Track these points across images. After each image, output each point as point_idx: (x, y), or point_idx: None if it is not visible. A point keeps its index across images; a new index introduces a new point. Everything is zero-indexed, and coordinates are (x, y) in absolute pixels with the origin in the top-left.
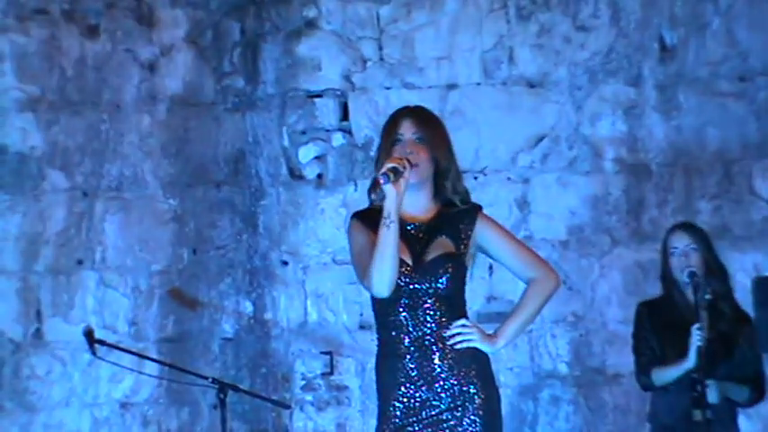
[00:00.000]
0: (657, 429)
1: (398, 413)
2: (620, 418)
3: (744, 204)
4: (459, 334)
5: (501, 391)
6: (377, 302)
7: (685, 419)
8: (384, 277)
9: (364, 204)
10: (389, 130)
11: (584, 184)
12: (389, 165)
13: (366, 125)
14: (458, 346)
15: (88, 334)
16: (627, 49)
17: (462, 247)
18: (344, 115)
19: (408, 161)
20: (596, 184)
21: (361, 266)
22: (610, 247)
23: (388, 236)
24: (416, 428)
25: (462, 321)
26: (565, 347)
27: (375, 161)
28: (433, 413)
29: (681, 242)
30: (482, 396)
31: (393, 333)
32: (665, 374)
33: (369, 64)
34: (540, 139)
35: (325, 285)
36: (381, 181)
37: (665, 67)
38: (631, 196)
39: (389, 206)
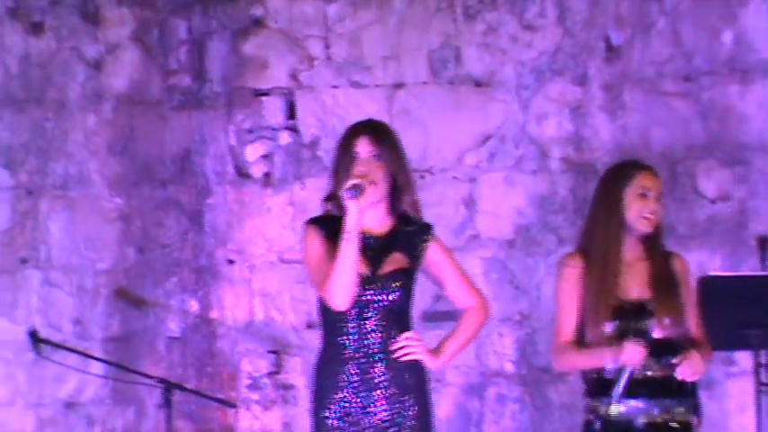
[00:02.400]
0: None
1: (336, 417)
2: (566, 416)
3: (688, 203)
4: (405, 346)
5: (448, 389)
6: (326, 308)
7: None
8: (344, 292)
9: (311, 203)
10: (346, 147)
11: (531, 183)
12: (353, 182)
13: (313, 124)
14: (403, 359)
15: (32, 333)
16: (573, 48)
17: (415, 262)
18: (291, 114)
19: (370, 180)
20: (543, 184)
21: (319, 276)
22: (556, 246)
23: (350, 251)
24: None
25: (409, 334)
26: (511, 346)
27: (333, 174)
28: (372, 421)
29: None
30: (417, 409)
31: (339, 339)
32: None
33: (316, 62)
34: (487, 138)
35: (272, 284)
36: (347, 196)
37: (611, 67)
38: (578, 195)
39: (352, 222)
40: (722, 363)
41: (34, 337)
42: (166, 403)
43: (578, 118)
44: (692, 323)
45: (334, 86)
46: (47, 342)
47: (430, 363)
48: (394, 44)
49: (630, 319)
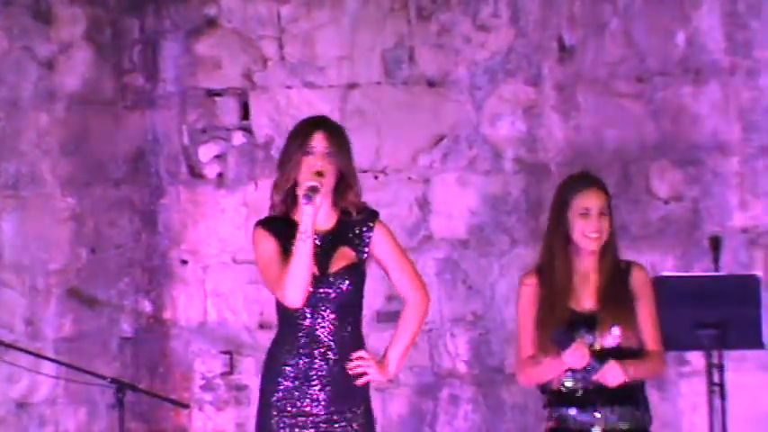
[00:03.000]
0: None
1: (280, 400)
2: (519, 416)
3: (641, 204)
4: (358, 366)
5: (401, 390)
6: (281, 305)
7: None
8: (299, 290)
9: (265, 203)
10: (301, 140)
11: (484, 183)
12: (310, 184)
13: (267, 124)
14: (359, 382)
15: None
16: (526, 49)
17: (363, 254)
18: (245, 114)
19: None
20: (496, 184)
21: (272, 276)
22: (509, 246)
23: (304, 250)
24: (298, 421)
25: (360, 353)
26: (464, 346)
27: (280, 165)
28: (315, 411)
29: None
30: (363, 407)
31: (292, 332)
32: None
33: (269, 63)
34: (441, 138)
35: (225, 285)
36: (304, 201)
37: (564, 68)
38: (531, 196)
39: (307, 222)
40: (675, 363)
41: None
42: (119, 404)
43: (531, 118)
44: (648, 334)
45: (288, 87)
46: None
47: (382, 377)
48: (347, 44)
49: (581, 329)
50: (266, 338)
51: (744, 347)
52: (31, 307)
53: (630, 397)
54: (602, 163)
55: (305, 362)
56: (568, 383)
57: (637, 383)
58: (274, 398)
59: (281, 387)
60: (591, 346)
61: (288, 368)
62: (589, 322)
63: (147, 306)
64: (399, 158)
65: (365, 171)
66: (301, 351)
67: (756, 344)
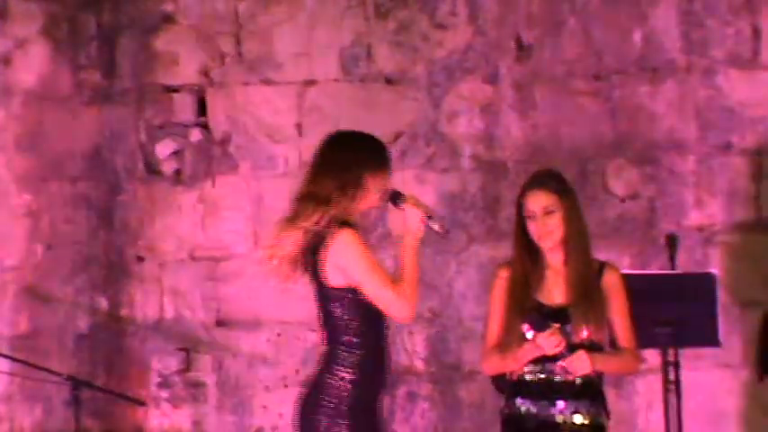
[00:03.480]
0: None
1: None
2: (476, 414)
3: (598, 202)
4: None
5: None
6: (376, 317)
7: None
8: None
9: (222, 200)
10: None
11: (442, 181)
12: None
13: (224, 121)
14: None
15: None
16: (484, 47)
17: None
18: (202, 111)
19: None
20: (453, 181)
21: (390, 287)
22: (466, 243)
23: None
24: None
25: None
26: (421, 344)
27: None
28: None
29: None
30: None
31: (383, 353)
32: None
33: (227, 59)
34: (398, 135)
35: (182, 282)
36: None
37: (522, 66)
38: (488, 193)
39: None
40: None
41: None
42: (75, 401)
43: (489, 116)
44: (622, 333)
45: (246, 83)
46: None
47: None
48: (305, 41)
49: (551, 322)
50: (223, 335)
51: (700, 345)
52: None
53: (588, 392)
54: (560, 161)
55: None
56: (528, 377)
57: (594, 380)
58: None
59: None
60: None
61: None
62: (559, 316)
63: (103, 303)
64: None
65: None
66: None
67: (712, 341)
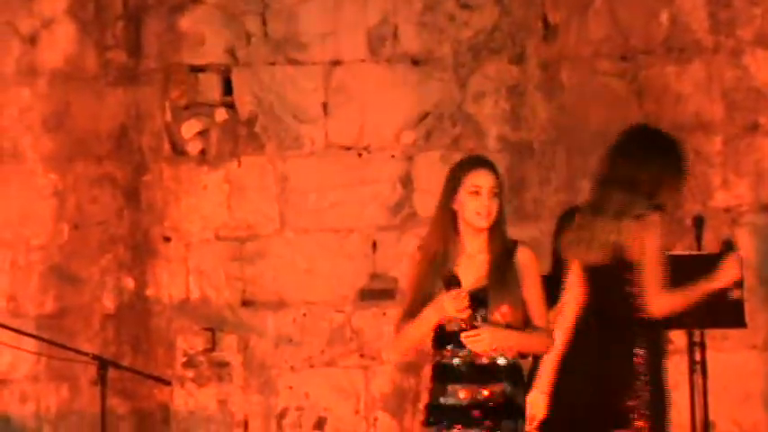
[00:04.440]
0: None
1: None
2: None
3: None
4: None
5: (384, 368)
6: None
7: None
8: None
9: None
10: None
11: None
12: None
13: (250, 101)
14: None
15: None
16: (510, 27)
17: None
18: (228, 90)
19: None
20: None
21: None
22: None
23: None
24: None
25: None
26: None
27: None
28: None
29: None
30: None
31: None
32: None
33: (253, 39)
34: (424, 116)
35: (208, 262)
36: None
37: (548, 46)
38: (514, 174)
39: None
40: None
41: None
42: (101, 380)
43: (515, 97)
44: (533, 312)
45: (272, 63)
46: None
47: None
48: (331, 21)
49: (470, 306)
50: (248, 316)
51: (725, 326)
52: (12, 283)
53: (508, 376)
54: (586, 141)
55: None
56: (448, 361)
57: (513, 363)
58: None
59: None
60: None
61: None
62: (478, 299)
63: (129, 283)
64: (383, 136)
65: (348, 149)
66: None
67: (738, 322)
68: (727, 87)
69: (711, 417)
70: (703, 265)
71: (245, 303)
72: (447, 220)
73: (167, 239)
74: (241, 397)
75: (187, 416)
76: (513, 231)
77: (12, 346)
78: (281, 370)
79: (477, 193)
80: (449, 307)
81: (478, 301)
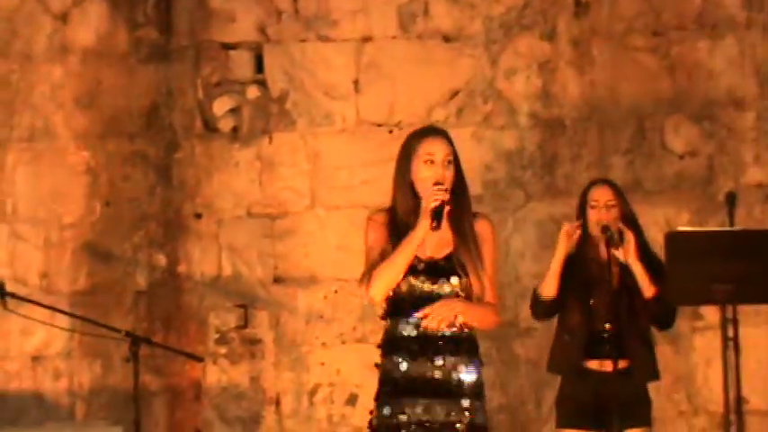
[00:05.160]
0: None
1: None
2: (532, 371)
3: (656, 159)
4: None
5: None
6: None
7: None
8: None
9: (279, 157)
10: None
11: (499, 138)
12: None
13: (281, 78)
14: None
15: None
16: (542, 3)
17: None
18: (259, 68)
19: None
20: (511, 139)
21: None
22: (524, 201)
23: None
24: None
25: None
26: None
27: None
28: None
29: (603, 197)
30: None
31: None
32: (546, 276)
33: (283, 16)
34: (455, 93)
35: (239, 238)
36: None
37: (580, 22)
38: (545, 151)
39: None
40: (689, 317)
41: (1, 290)
42: (133, 357)
43: (547, 73)
44: (486, 282)
45: (302, 40)
46: (13, 295)
47: None
48: None
49: (429, 275)
50: (280, 292)
51: (758, 302)
52: (45, 260)
53: (465, 347)
54: (618, 118)
55: None
56: (405, 332)
57: (468, 335)
58: None
59: None
60: (439, 295)
61: None
62: (444, 269)
63: (161, 260)
64: (414, 113)
65: (380, 125)
66: None
67: None
68: (760, 63)
69: (744, 392)
70: (735, 242)
71: (277, 280)
72: (406, 190)
73: (199, 216)
74: (273, 374)
75: (219, 392)
76: (544, 208)
77: (45, 323)
78: (313, 346)
79: (431, 161)
80: (428, 200)
81: (441, 270)
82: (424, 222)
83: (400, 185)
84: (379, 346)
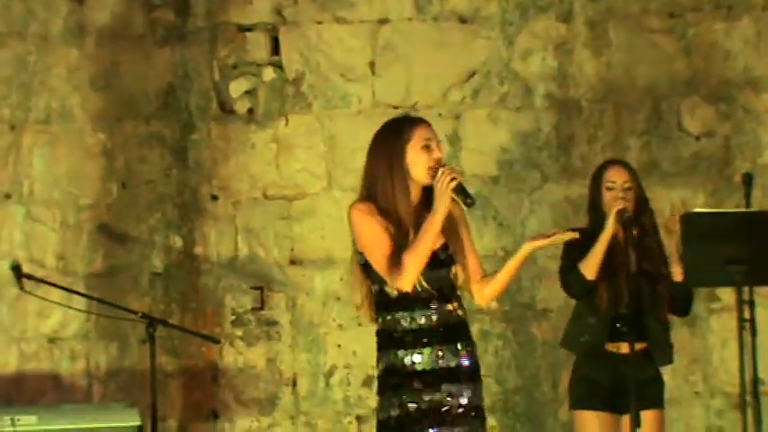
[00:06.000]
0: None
1: None
2: (549, 352)
3: (672, 140)
4: None
5: None
6: None
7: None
8: None
9: (295, 139)
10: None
11: (515, 119)
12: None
13: (297, 60)
14: None
15: (16, 268)
16: None
17: None
18: (275, 49)
19: None
20: (527, 120)
21: None
22: (540, 182)
23: None
24: None
25: None
26: None
27: None
28: None
29: (619, 178)
30: None
31: None
32: (589, 259)
33: None
34: (472, 74)
35: (256, 220)
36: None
37: (596, 3)
38: (561, 132)
39: None
40: (705, 299)
41: (17, 272)
42: (150, 339)
43: (563, 55)
44: (480, 264)
45: (319, 22)
46: (30, 277)
47: None
48: None
49: (432, 268)
50: (297, 274)
51: None
52: (62, 242)
53: (459, 334)
54: (633, 99)
55: None
56: (404, 324)
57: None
58: None
59: None
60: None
61: None
62: (440, 261)
63: (177, 241)
64: (430, 94)
65: (396, 107)
66: None
67: None
68: None
69: (761, 374)
70: (752, 223)
71: (293, 262)
72: (398, 177)
73: (215, 198)
74: (289, 355)
75: (236, 374)
76: (560, 189)
77: (62, 305)
78: (330, 328)
79: (428, 147)
80: (443, 182)
81: (442, 262)
82: (444, 204)
83: (389, 175)
84: (379, 342)
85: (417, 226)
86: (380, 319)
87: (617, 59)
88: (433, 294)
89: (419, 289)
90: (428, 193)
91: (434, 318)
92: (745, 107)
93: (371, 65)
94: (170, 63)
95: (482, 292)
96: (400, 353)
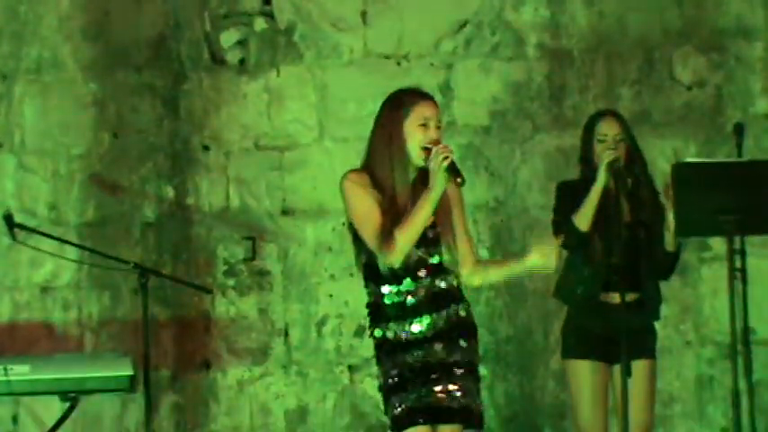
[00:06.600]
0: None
1: None
2: (540, 302)
3: (664, 90)
4: None
5: None
6: None
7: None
8: None
9: (287, 90)
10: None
11: (507, 70)
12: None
13: (288, 9)
14: None
15: (8, 218)
16: None
17: None
18: None
19: None
20: (518, 70)
21: None
22: (531, 132)
23: None
24: None
25: None
26: (486, 232)
27: None
28: None
29: (611, 130)
30: None
31: None
32: (582, 210)
33: None
34: (464, 24)
35: (248, 171)
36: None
37: None
38: (553, 82)
39: None
40: (696, 248)
41: (9, 222)
42: (142, 289)
43: (555, 4)
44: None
45: None
46: (22, 227)
47: None
48: None
49: (420, 246)
50: (289, 224)
51: (765, 233)
52: (53, 192)
53: (448, 300)
54: (625, 49)
55: None
56: (388, 300)
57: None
58: None
59: None
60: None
61: None
62: (429, 240)
63: (169, 192)
64: (422, 44)
65: (387, 57)
66: None
67: None
68: None
69: (751, 323)
70: (743, 172)
71: (285, 212)
72: (396, 150)
73: (207, 148)
74: (281, 305)
75: (228, 324)
76: (552, 139)
77: (54, 255)
78: (321, 278)
79: (425, 125)
80: (437, 160)
81: (431, 240)
82: (440, 183)
83: (387, 146)
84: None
85: (413, 203)
86: (368, 291)
87: (609, 9)
88: (420, 269)
89: (406, 263)
90: (427, 173)
91: (422, 292)
92: (737, 56)
93: (363, 14)
94: (161, 13)
95: (471, 279)
96: (391, 325)
